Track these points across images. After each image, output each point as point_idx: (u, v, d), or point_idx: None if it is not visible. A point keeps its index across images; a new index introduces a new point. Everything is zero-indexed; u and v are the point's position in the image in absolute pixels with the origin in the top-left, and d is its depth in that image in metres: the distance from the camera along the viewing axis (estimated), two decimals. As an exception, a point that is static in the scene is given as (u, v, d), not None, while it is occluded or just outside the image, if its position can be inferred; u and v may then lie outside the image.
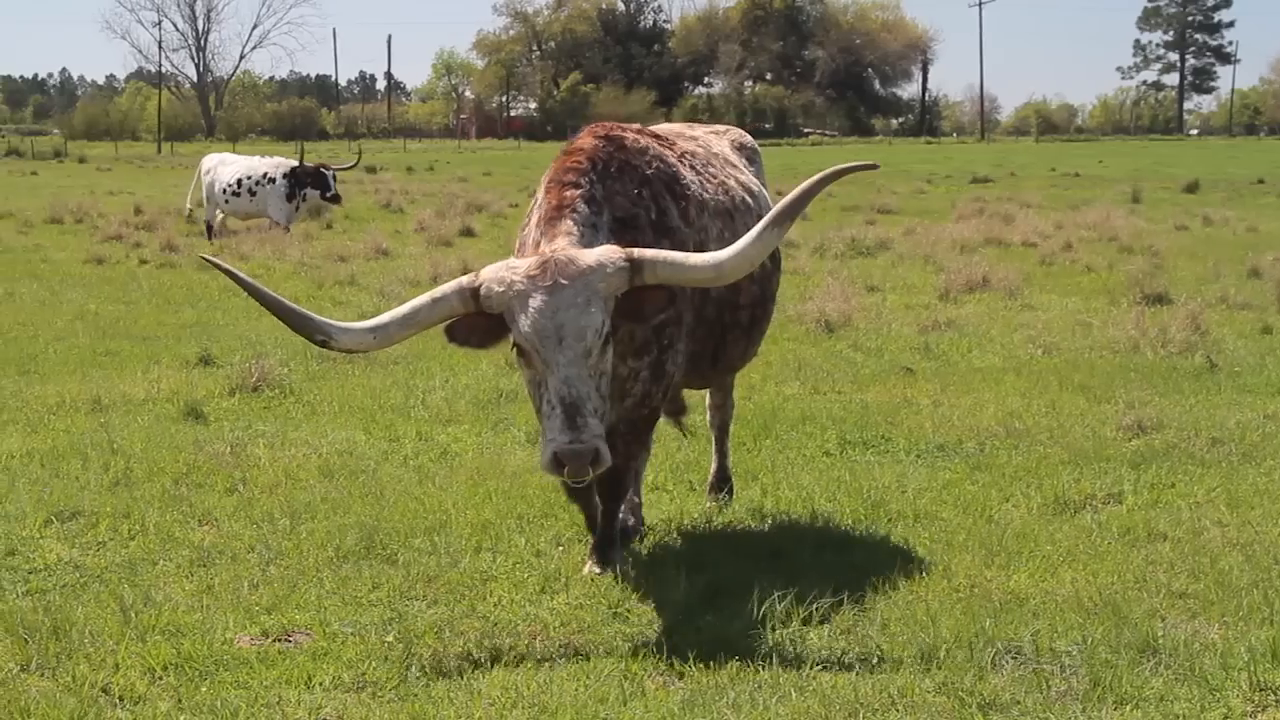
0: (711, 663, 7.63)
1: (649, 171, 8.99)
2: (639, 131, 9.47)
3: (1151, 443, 12.41)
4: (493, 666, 7.58)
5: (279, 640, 7.97)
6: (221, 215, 33.96)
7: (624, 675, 7.46)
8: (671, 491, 10.95)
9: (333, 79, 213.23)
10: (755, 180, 10.47)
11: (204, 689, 7.31)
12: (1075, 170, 69.62)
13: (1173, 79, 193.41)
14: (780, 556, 9.43)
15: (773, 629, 8.04)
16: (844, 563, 9.24)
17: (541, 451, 7.71)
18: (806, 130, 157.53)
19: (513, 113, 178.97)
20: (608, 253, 7.95)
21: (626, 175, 8.81)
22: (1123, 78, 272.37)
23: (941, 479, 11.26)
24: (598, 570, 9.07)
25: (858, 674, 7.41)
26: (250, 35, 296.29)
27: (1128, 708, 7.07)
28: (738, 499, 10.76)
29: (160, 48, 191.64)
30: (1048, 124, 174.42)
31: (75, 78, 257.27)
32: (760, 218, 9.24)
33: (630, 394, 8.73)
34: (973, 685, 7.24)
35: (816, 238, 30.11)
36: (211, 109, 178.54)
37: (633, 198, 8.74)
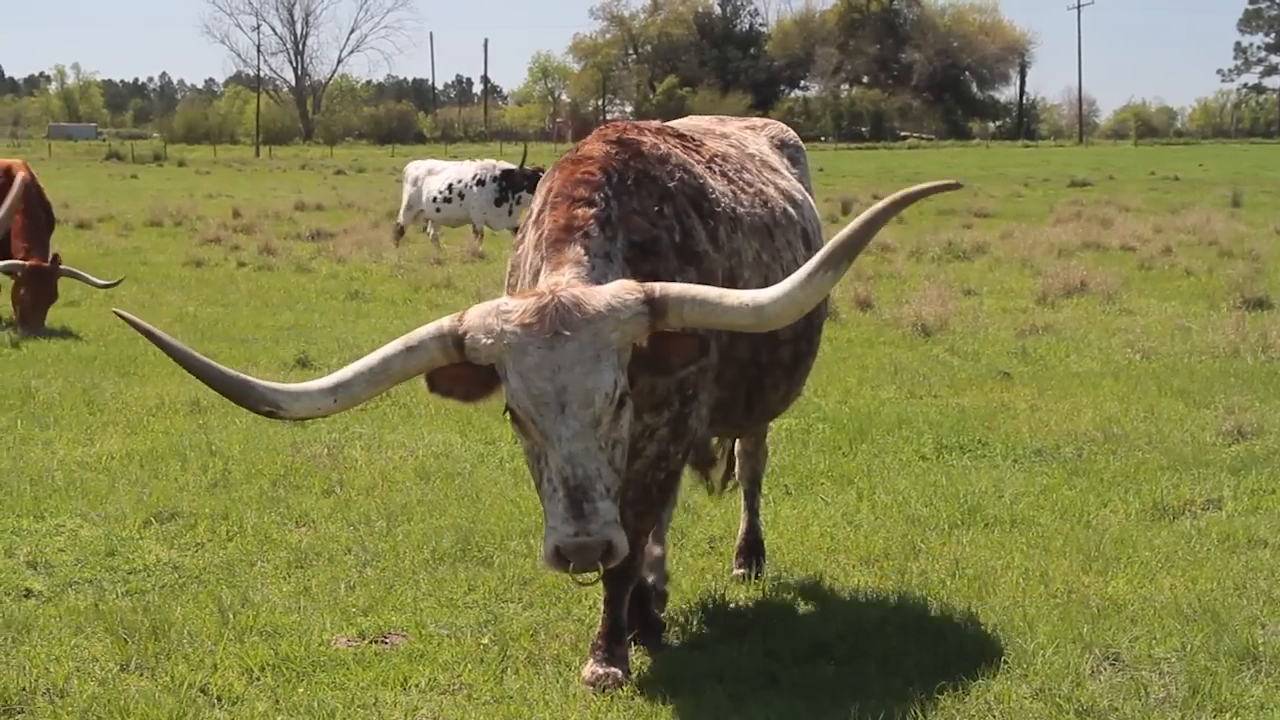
0: (808, 666, 7.63)
1: (671, 184, 7.39)
2: (658, 132, 7.88)
3: (1251, 448, 12.30)
4: (582, 665, 7.58)
5: (375, 642, 8.01)
6: (432, 226, 33.20)
7: (719, 679, 7.46)
8: (766, 495, 10.89)
9: (429, 82, 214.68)
10: (799, 186, 8.85)
11: (301, 690, 7.36)
12: (1174, 174, 69.02)
13: (1274, 81, 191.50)
14: (876, 561, 9.41)
15: (869, 633, 8.03)
16: (940, 568, 9.21)
17: (544, 541, 6.34)
18: (903, 133, 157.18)
19: (609, 116, 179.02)
20: (622, 292, 6.43)
21: (645, 190, 7.24)
22: (1223, 80, 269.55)
23: (1039, 484, 11.19)
24: (599, 671, 7.40)
25: (954, 679, 7.37)
26: (348, 39, 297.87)
27: (1227, 715, 7.01)
28: (832, 503, 10.71)
29: (259, 52, 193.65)
30: (1146, 127, 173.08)
31: (175, 81, 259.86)
32: (805, 233, 8.44)
33: (642, 454, 7.20)
34: (1070, 692, 7.20)
35: (913, 241, 30.01)
36: (309, 112, 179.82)
37: (652, 217, 7.18)
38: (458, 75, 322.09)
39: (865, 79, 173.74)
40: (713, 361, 7.37)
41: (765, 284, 7.35)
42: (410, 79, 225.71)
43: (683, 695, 7.27)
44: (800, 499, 10.89)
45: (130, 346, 17.96)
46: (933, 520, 10.25)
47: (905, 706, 7.05)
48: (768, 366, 8.01)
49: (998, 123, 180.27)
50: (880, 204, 6.40)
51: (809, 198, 8.92)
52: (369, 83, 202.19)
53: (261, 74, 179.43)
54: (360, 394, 6.54)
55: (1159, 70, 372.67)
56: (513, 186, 31.92)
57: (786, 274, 7.37)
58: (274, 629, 8.15)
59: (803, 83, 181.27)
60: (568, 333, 6.23)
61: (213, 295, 23.69)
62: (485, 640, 7.98)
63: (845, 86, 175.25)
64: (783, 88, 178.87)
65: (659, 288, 6.48)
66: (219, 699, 7.26)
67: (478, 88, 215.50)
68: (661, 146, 7.58)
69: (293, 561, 9.43)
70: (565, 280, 6.59)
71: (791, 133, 9.61)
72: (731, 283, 7.38)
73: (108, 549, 9.65)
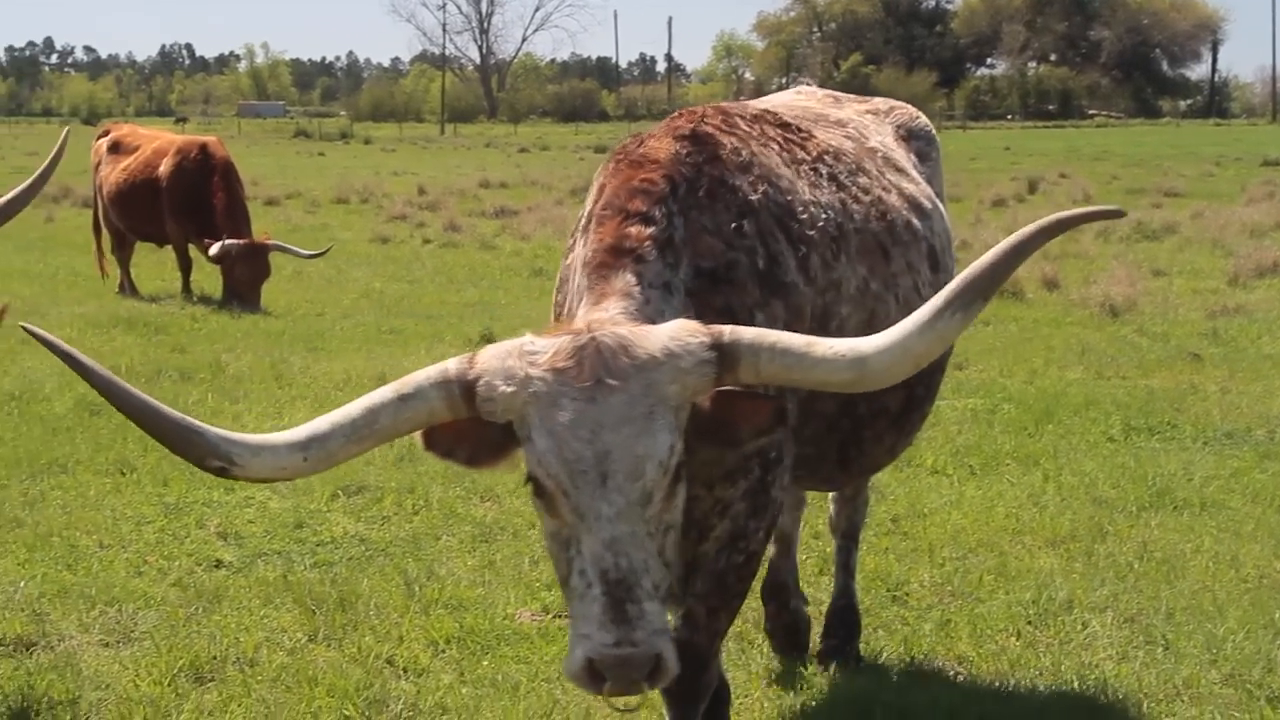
0: (991, 645, 7.57)
1: (753, 197, 5.79)
2: (755, 120, 6.33)
3: None
4: (766, 642, 7.62)
5: (559, 616, 8.03)
6: None
7: (902, 659, 7.44)
8: (951, 476, 10.85)
9: (613, 61, 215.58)
10: (927, 190, 7.18)
11: (485, 662, 7.43)
12: (1371, 152, 67.66)
13: None
14: (1063, 543, 9.31)
15: (1055, 615, 7.96)
16: (1128, 550, 9.10)
17: (570, 650, 4.64)
18: (1091, 111, 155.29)
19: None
20: (683, 333, 4.80)
21: (720, 202, 5.67)
22: None
23: (1229, 467, 11.01)
24: None
25: (1142, 664, 7.30)
26: (532, 18, 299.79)
27: None
28: (1017, 483, 10.61)
29: (444, 30, 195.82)
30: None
31: (361, 60, 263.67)
32: (932, 251, 6.87)
33: (712, 534, 5.74)
34: (1261, 678, 7.09)
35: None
36: (494, 90, 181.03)
37: (729, 236, 5.61)
38: (641, 53, 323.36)
39: (1053, 56, 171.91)
40: (792, 419, 5.76)
41: (870, 320, 6.16)
42: (594, 57, 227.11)
43: (864, 674, 7.26)
44: (985, 479, 10.80)
45: (317, 322, 18.23)
46: (1120, 502, 10.13)
47: (1091, 689, 6.99)
48: (868, 418, 6.46)
49: (1188, 101, 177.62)
50: (1029, 229, 4.74)
51: (939, 205, 7.28)
52: (553, 61, 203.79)
53: (447, 52, 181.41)
54: (338, 452, 5.11)
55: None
56: None
57: (902, 305, 6.30)
58: (459, 602, 8.23)
59: (989, 60, 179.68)
60: (613, 382, 4.67)
61: (398, 271, 23.94)
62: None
63: (1032, 64, 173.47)
64: (969, 65, 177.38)
65: (729, 331, 4.82)
66: (405, 670, 7.34)
67: (661, 66, 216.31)
68: (743, 152, 5.92)
69: (477, 536, 9.50)
70: (609, 316, 5.06)
71: (923, 119, 7.95)
72: (823, 324, 5.92)
73: (296, 521, 9.78)
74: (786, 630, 7.79)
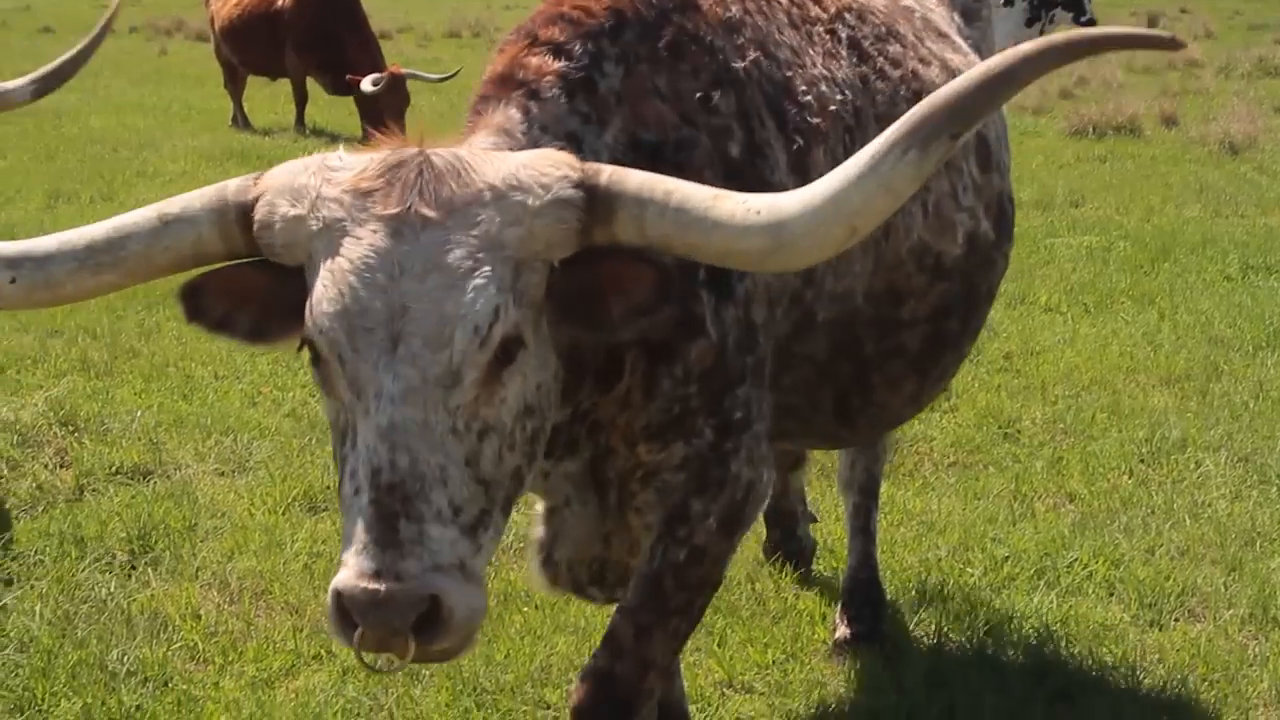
0: (1103, 483, 7.54)
1: (737, 64, 4.33)
2: None
3: None
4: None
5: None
6: None
7: (1014, 496, 7.41)
8: (1065, 313, 10.76)
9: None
10: (976, 62, 4.84)
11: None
12: None
13: None
14: (1177, 381, 9.23)
15: (1168, 454, 7.91)
16: (1243, 389, 9.02)
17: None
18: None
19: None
20: (541, 162, 3.52)
21: (687, 63, 4.23)
22: None
23: (1349, 306, 10.89)
24: None
25: (1255, 503, 7.26)
26: None
27: None
28: (1132, 322, 10.51)
29: None
30: None
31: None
32: (985, 146, 5.29)
33: (633, 511, 4.40)
34: (1375, 516, 7.06)
35: (1222, 56, 29.10)
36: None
37: (689, 108, 4.18)
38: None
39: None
40: (760, 357, 4.30)
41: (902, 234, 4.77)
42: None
43: (973, 512, 7.24)
44: (1100, 317, 10.70)
45: (430, 156, 18.21)
46: (1236, 341, 10.02)
47: (1203, 528, 6.96)
48: (876, 359, 4.87)
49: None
50: (1030, 46, 3.24)
51: None
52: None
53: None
54: (65, 281, 3.55)
55: None
56: (1046, 4, 27.09)
57: (931, 217, 4.86)
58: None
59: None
60: (430, 213, 3.37)
61: (511, 107, 23.88)
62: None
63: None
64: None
65: (610, 171, 3.51)
66: (515, 501, 7.37)
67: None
68: (733, 8, 4.44)
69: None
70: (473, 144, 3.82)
71: None
72: None
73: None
74: (787, 561, 6.77)
